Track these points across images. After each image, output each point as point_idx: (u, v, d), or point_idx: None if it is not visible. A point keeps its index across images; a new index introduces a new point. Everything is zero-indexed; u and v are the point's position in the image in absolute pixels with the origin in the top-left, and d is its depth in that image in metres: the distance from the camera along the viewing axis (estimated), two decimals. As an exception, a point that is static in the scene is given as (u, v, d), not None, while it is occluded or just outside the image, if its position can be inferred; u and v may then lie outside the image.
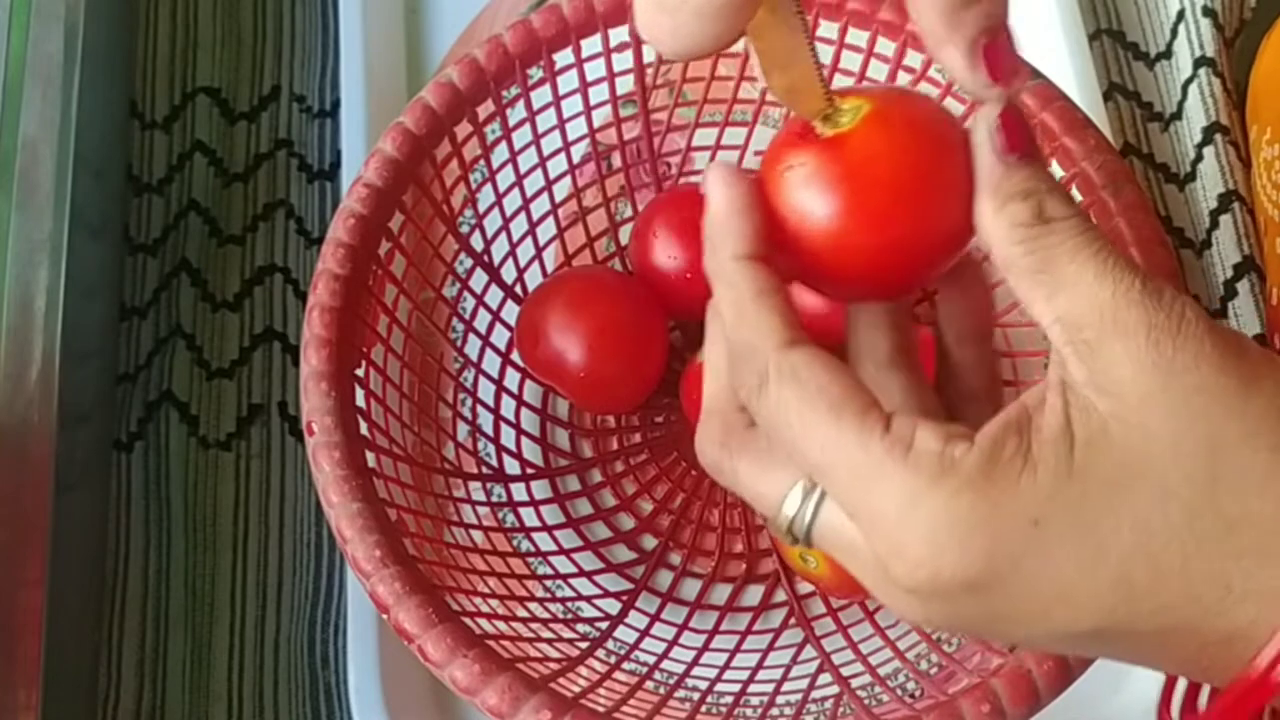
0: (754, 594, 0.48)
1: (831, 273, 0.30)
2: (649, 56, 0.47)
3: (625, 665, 0.43)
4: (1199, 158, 0.55)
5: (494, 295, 0.50)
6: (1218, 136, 0.54)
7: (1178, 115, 0.56)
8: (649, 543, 0.49)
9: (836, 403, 0.27)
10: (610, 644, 0.45)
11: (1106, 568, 0.26)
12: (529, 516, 0.48)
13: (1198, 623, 0.26)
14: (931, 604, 0.27)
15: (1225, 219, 0.53)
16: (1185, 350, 0.26)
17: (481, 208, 0.48)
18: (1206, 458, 0.25)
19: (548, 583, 0.46)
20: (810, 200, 0.30)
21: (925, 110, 0.30)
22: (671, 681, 0.42)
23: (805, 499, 0.29)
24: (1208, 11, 0.56)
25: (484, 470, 0.48)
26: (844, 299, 0.33)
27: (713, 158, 0.51)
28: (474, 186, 0.47)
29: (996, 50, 0.28)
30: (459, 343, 0.49)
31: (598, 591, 0.47)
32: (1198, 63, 0.55)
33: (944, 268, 0.31)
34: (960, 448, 0.26)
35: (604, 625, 0.45)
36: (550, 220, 0.50)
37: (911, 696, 0.42)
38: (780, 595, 0.48)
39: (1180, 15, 0.57)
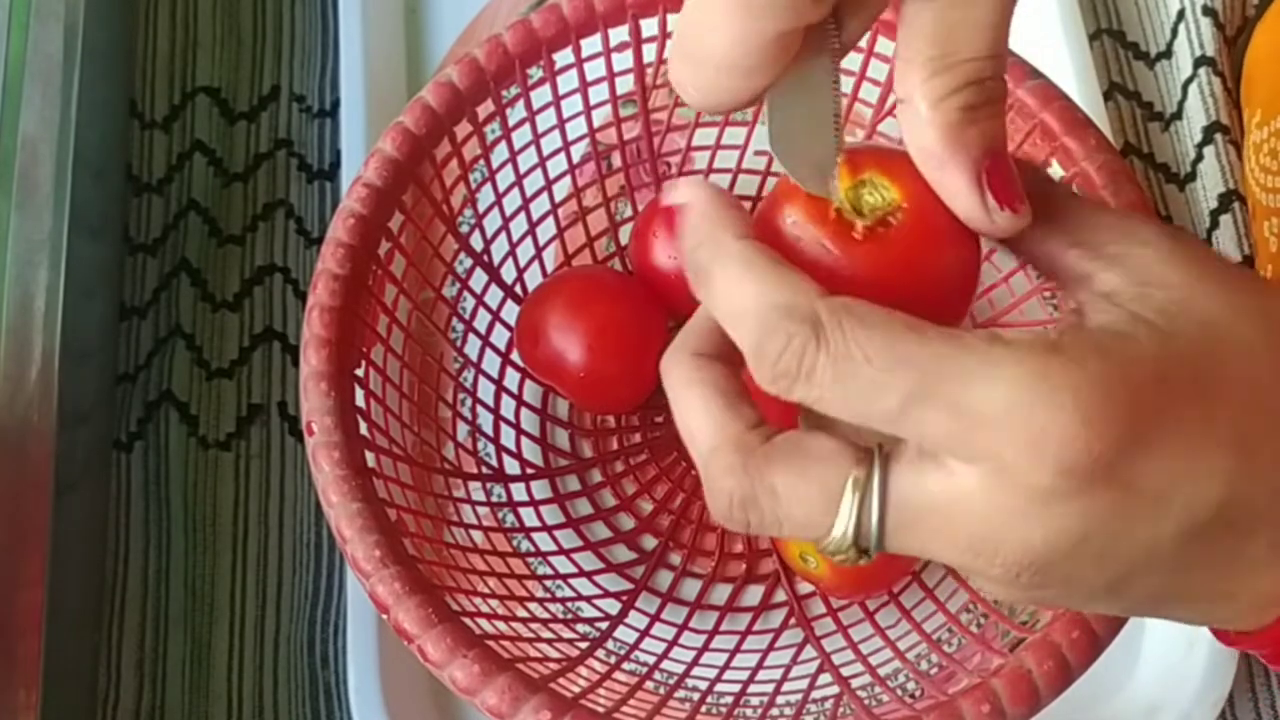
0: (754, 594, 0.48)
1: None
2: (649, 56, 0.47)
3: (625, 665, 0.43)
4: (1199, 157, 0.54)
5: (494, 295, 0.50)
6: (1218, 136, 0.54)
7: (1178, 115, 0.56)
8: (649, 543, 0.49)
9: (911, 323, 0.25)
10: (610, 644, 0.45)
11: (1228, 420, 0.25)
12: (529, 516, 0.48)
13: None
14: (1062, 514, 0.24)
15: (1225, 219, 0.53)
16: (1198, 246, 0.27)
17: (481, 208, 0.48)
18: (1263, 318, 0.26)
19: (548, 583, 0.46)
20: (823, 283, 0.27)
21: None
22: (671, 681, 0.42)
23: (867, 484, 0.26)
24: (1208, 10, 0.56)
25: (484, 470, 0.48)
26: None
27: (713, 158, 0.51)
28: (474, 186, 0.47)
29: (1001, 172, 0.27)
30: (459, 343, 0.49)
31: (598, 591, 0.47)
32: (1198, 62, 0.55)
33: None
34: (1052, 332, 0.25)
35: (604, 625, 0.45)
36: (550, 220, 0.50)
37: (911, 696, 0.42)
38: (780, 595, 0.48)
39: (1180, 15, 0.57)
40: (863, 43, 0.45)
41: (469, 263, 0.49)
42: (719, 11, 0.26)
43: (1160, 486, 0.25)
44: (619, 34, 0.45)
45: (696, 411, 0.28)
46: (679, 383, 0.28)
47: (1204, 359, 0.25)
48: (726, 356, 0.28)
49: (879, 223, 0.28)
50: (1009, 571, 0.25)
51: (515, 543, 0.47)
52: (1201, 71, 0.55)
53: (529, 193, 0.49)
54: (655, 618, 0.47)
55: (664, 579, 0.48)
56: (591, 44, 0.45)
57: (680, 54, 0.27)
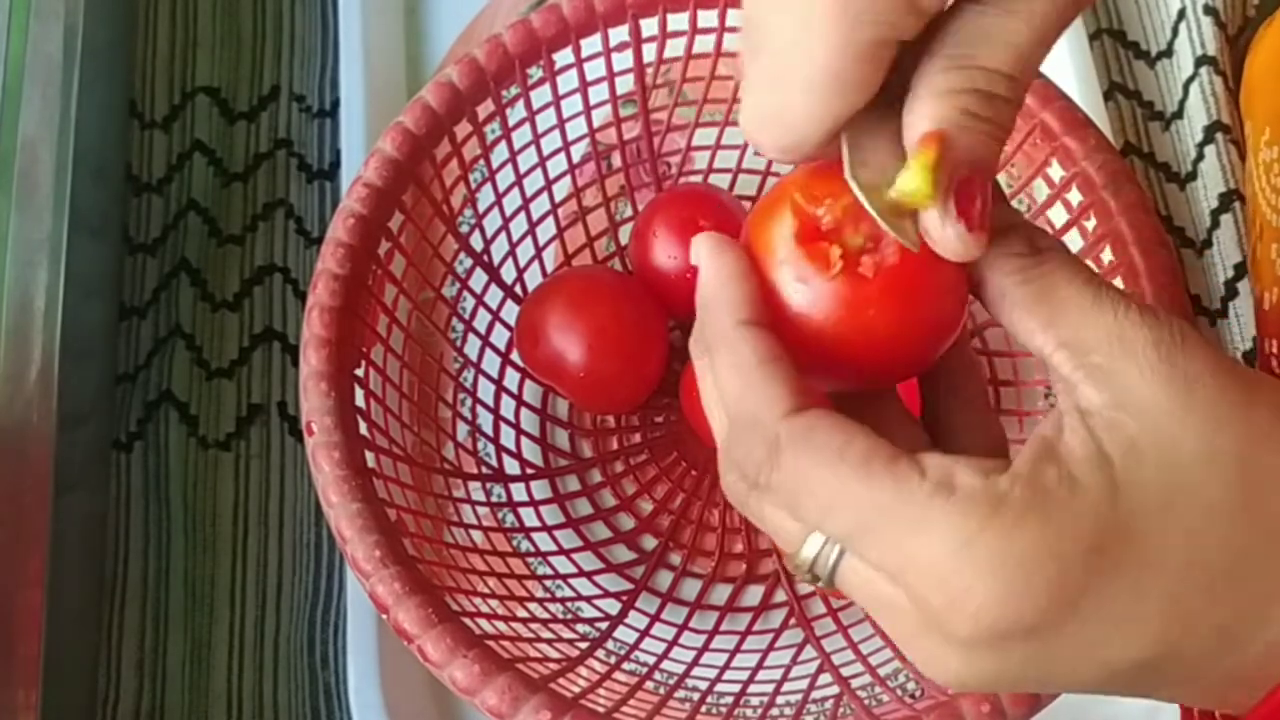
0: (754, 594, 0.48)
1: (819, 368, 0.29)
2: (649, 56, 0.47)
3: (625, 665, 0.43)
4: (1200, 156, 0.54)
5: (494, 295, 0.50)
6: (1219, 135, 0.54)
7: (1179, 114, 0.56)
8: (649, 543, 0.49)
9: (863, 457, 0.26)
10: (610, 644, 0.45)
11: (1162, 589, 0.25)
12: (529, 516, 0.48)
13: (1245, 638, 0.25)
14: (978, 656, 0.26)
15: (1226, 218, 0.53)
16: (1194, 361, 0.26)
17: (481, 207, 0.48)
18: (1237, 466, 0.25)
19: (547, 583, 0.46)
20: (812, 319, 0.28)
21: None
22: (671, 682, 0.42)
23: (827, 542, 0.27)
24: (1209, 10, 0.56)
25: (484, 470, 0.48)
26: (827, 386, 0.31)
27: (713, 158, 0.51)
28: (474, 186, 0.47)
29: (971, 191, 0.27)
30: (459, 343, 0.49)
31: (598, 592, 0.47)
32: (1199, 61, 0.55)
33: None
34: (1004, 479, 0.25)
35: (604, 625, 0.45)
36: (550, 220, 0.50)
37: (911, 696, 0.42)
38: (780, 595, 0.48)
39: (1181, 14, 0.57)
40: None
41: (469, 263, 0.49)
42: (819, 21, 0.26)
43: (1079, 647, 0.25)
44: (619, 34, 0.45)
45: (751, 382, 0.28)
46: (724, 344, 0.29)
47: (1154, 518, 0.25)
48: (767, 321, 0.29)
49: (862, 258, 0.28)
50: (927, 672, 0.27)
51: (515, 543, 0.47)
52: (1203, 70, 0.55)
53: (529, 193, 0.49)
54: (655, 618, 0.46)
55: (664, 579, 0.48)
56: (591, 44, 0.45)
57: (761, 83, 0.28)
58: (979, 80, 0.27)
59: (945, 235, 0.27)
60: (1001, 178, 0.46)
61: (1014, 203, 0.46)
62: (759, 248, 0.29)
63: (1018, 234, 0.28)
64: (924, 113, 0.27)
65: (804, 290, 0.28)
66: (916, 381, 0.33)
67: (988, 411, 0.32)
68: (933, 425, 0.32)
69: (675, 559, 0.49)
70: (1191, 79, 0.56)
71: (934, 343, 0.29)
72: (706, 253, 0.29)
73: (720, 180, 0.52)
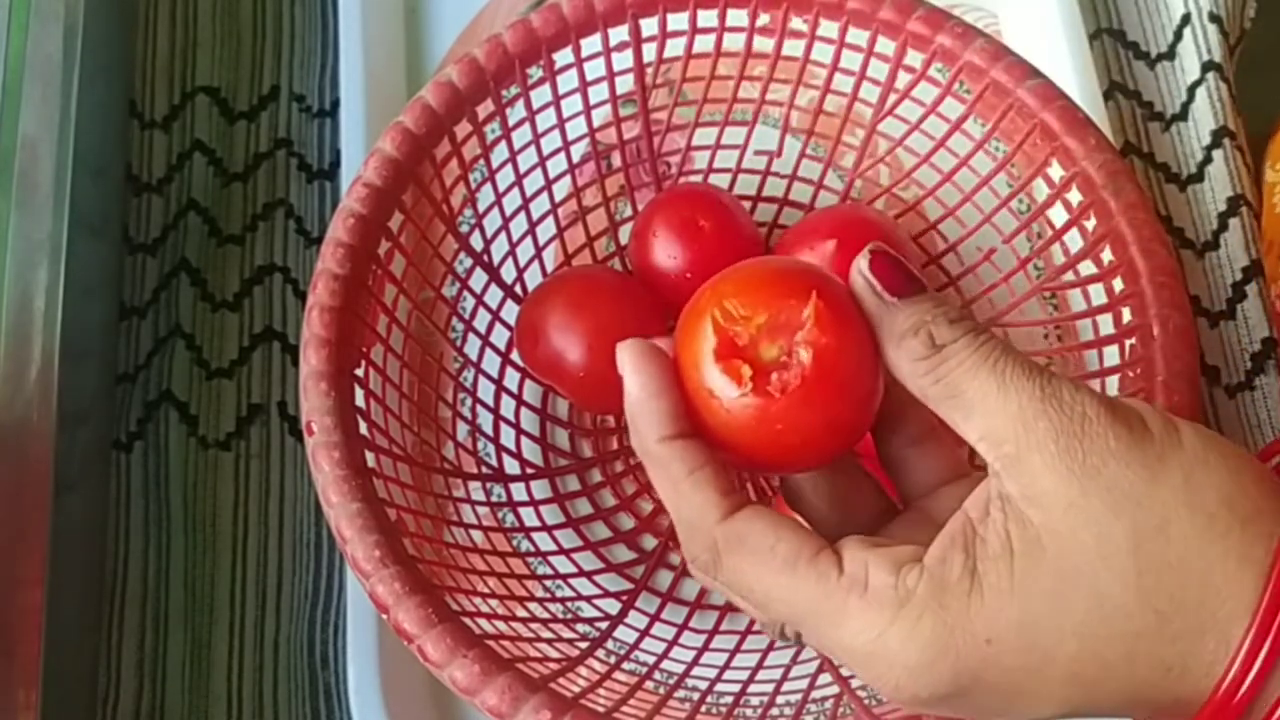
0: (754, 594, 0.48)
1: (745, 464, 0.33)
2: (649, 56, 0.47)
3: (625, 665, 0.43)
4: (1207, 159, 0.55)
5: (494, 295, 0.50)
6: (1226, 141, 0.54)
7: (1182, 116, 0.56)
8: (649, 542, 0.49)
9: (789, 559, 0.29)
10: (610, 644, 0.45)
11: (1056, 670, 0.28)
12: (529, 516, 0.48)
13: (1147, 697, 0.28)
14: (920, 708, 0.29)
15: (1234, 222, 0.53)
16: (1093, 451, 0.28)
17: (481, 207, 0.48)
18: (1130, 555, 0.27)
19: (547, 583, 0.46)
20: (730, 428, 0.31)
21: (856, 329, 0.31)
22: (671, 681, 0.42)
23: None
24: (1214, 18, 0.56)
25: (484, 470, 0.48)
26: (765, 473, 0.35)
27: (712, 158, 0.51)
28: (474, 186, 0.47)
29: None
30: (459, 342, 0.49)
31: (598, 591, 0.47)
32: (1205, 67, 0.56)
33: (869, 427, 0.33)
34: (911, 575, 0.28)
35: (604, 625, 0.45)
36: (550, 220, 0.50)
37: (912, 696, 0.42)
38: (780, 595, 0.48)
39: (1186, 19, 0.57)
40: (863, 42, 0.45)
41: (469, 263, 0.49)
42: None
43: (992, 709, 0.29)
44: (619, 34, 0.45)
45: (682, 493, 0.31)
46: (652, 460, 0.32)
47: (1045, 614, 0.27)
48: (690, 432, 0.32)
49: (772, 376, 0.30)
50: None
51: (515, 543, 0.47)
52: (1210, 76, 0.55)
53: (529, 193, 0.49)
54: (655, 618, 0.46)
55: (664, 579, 0.48)
56: (591, 44, 0.45)
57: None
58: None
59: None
60: (1001, 177, 0.46)
61: (1014, 203, 0.46)
62: (683, 356, 0.32)
63: (919, 336, 0.30)
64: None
65: (720, 403, 0.31)
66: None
67: (935, 441, 0.34)
68: (888, 465, 0.35)
69: (675, 559, 0.49)
70: (1198, 83, 0.56)
71: (848, 439, 0.32)
72: (630, 366, 0.32)
73: (720, 180, 0.52)
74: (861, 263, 0.31)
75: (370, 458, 0.39)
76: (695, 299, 0.32)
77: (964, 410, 0.29)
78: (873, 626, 0.28)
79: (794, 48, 0.47)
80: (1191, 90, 0.56)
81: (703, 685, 0.42)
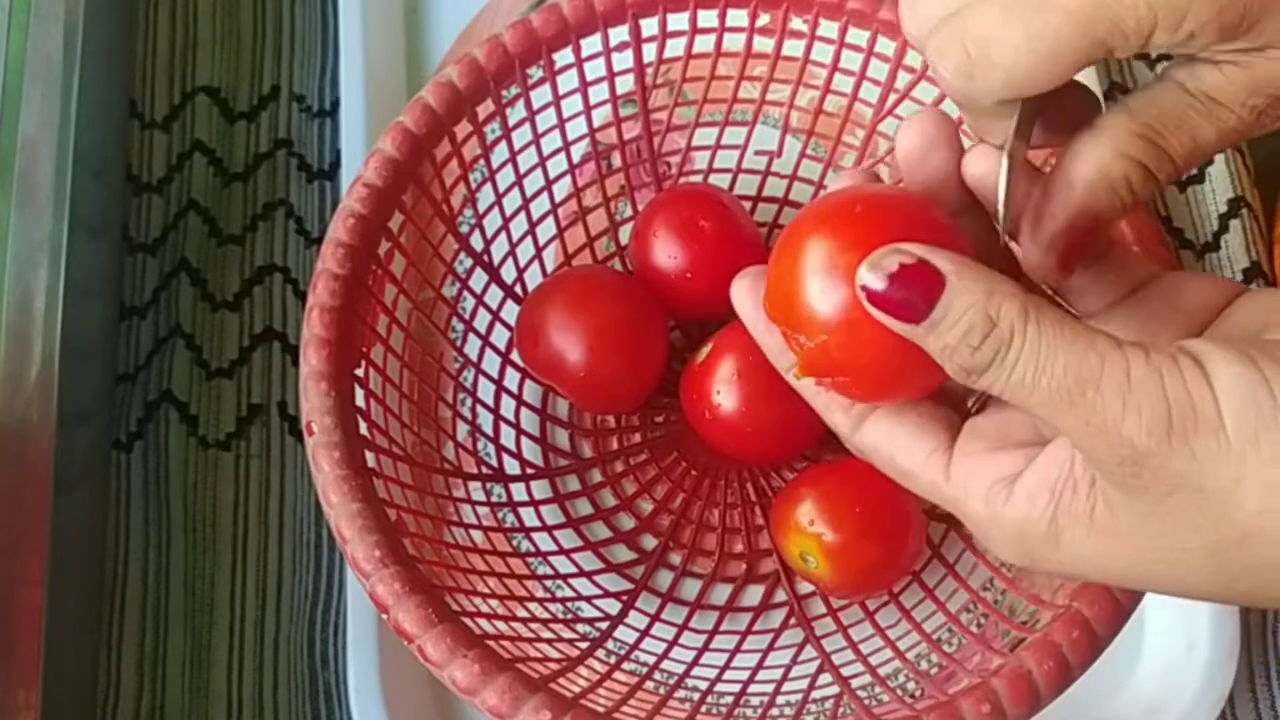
0: (754, 594, 0.48)
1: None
2: (649, 56, 0.47)
3: (625, 665, 0.43)
4: (1208, 161, 0.55)
5: (494, 295, 0.50)
6: (1228, 144, 0.54)
7: (1182, 117, 0.56)
8: (649, 543, 0.49)
9: (905, 470, 0.32)
10: (610, 644, 0.45)
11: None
12: (529, 516, 0.48)
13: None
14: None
15: (1235, 223, 0.53)
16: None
17: (481, 207, 0.48)
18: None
19: (548, 583, 0.46)
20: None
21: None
22: (671, 682, 0.42)
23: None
24: None
25: (484, 470, 0.48)
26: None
27: (713, 158, 0.51)
28: (474, 186, 0.47)
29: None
30: (459, 343, 0.49)
31: (598, 591, 0.47)
32: None
33: None
34: (1000, 498, 0.30)
35: (604, 625, 0.45)
36: (550, 220, 0.50)
37: (911, 696, 0.42)
38: (780, 595, 0.48)
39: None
40: (863, 42, 0.45)
41: (469, 263, 0.49)
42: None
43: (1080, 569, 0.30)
44: (619, 34, 0.45)
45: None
46: None
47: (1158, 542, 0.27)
48: None
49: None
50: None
51: (515, 543, 0.47)
52: None
53: (529, 193, 0.49)
54: (655, 618, 0.46)
55: (664, 579, 0.48)
56: (591, 44, 0.45)
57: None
58: (1152, 158, 0.30)
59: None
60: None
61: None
62: (773, 274, 0.32)
63: (952, 363, 0.28)
64: (1093, 157, 0.30)
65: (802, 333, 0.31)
66: None
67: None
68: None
69: (675, 559, 0.49)
70: None
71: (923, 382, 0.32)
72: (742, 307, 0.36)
73: (720, 180, 0.52)
74: (863, 298, 0.28)
75: (370, 458, 0.39)
76: (797, 220, 0.32)
77: (1033, 394, 0.27)
78: (974, 518, 0.30)
79: (794, 48, 0.47)
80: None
81: (703, 685, 0.42)
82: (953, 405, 0.33)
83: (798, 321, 0.31)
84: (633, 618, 0.46)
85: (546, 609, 0.45)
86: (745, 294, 0.35)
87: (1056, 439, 0.29)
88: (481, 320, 0.49)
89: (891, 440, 0.32)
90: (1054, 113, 0.31)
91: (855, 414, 0.33)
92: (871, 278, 0.28)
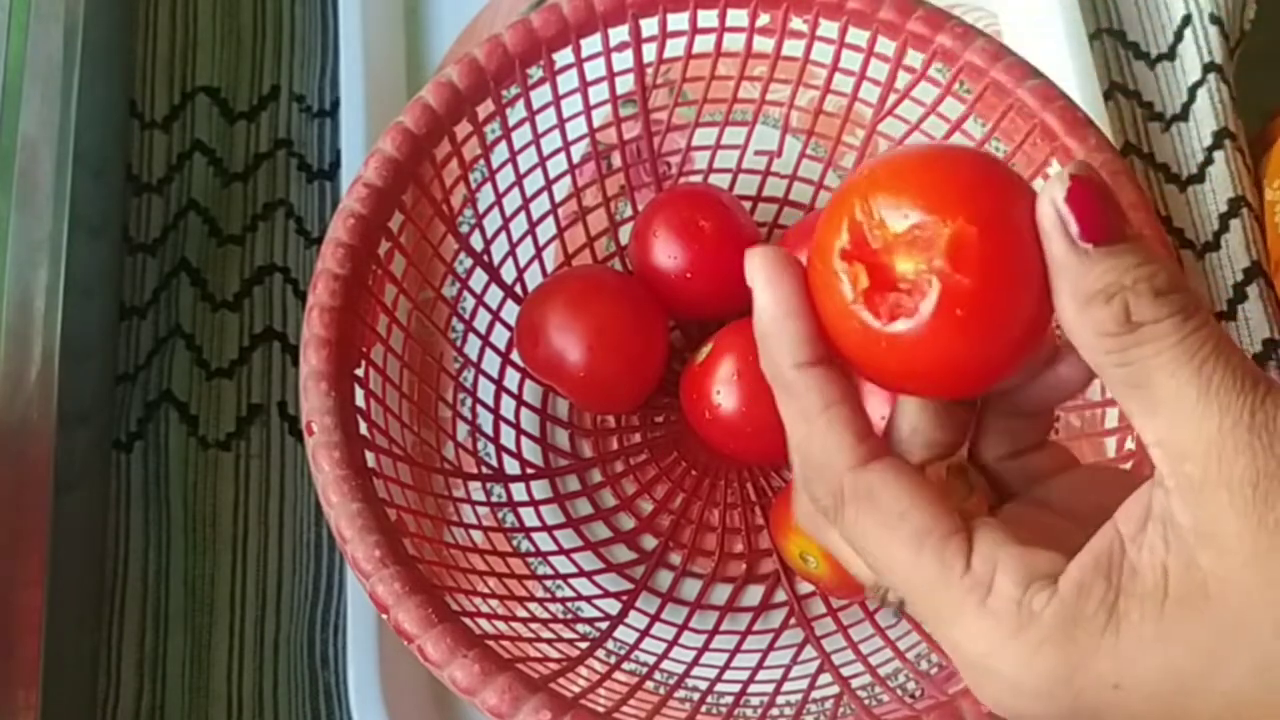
0: (754, 594, 0.48)
1: (892, 382, 0.28)
2: (649, 56, 0.47)
3: (625, 665, 0.43)
4: (1208, 160, 0.55)
5: (494, 295, 0.50)
6: (1227, 142, 0.54)
7: (1182, 117, 0.56)
8: (649, 543, 0.49)
9: (918, 532, 0.26)
10: (610, 644, 0.45)
11: None
12: (529, 516, 0.48)
13: None
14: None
15: (1235, 223, 0.53)
16: None
17: (481, 207, 0.48)
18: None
19: (548, 583, 0.46)
20: (865, 345, 0.27)
21: (1019, 263, 0.25)
22: (671, 682, 0.42)
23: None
24: (1215, 19, 0.56)
25: (484, 470, 0.48)
26: (902, 392, 0.30)
27: (713, 158, 0.51)
28: (474, 186, 0.47)
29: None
30: (459, 343, 0.49)
31: (598, 591, 0.47)
32: (1207, 68, 0.56)
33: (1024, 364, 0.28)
34: (1040, 596, 0.25)
35: (604, 625, 0.45)
36: (550, 220, 0.50)
37: (911, 696, 0.42)
38: (780, 595, 0.48)
39: (1186, 20, 0.57)
40: (863, 42, 0.45)
41: (469, 263, 0.49)
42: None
43: None
44: (619, 34, 0.45)
45: (815, 429, 0.28)
46: (784, 389, 0.28)
47: (1201, 665, 0.24)
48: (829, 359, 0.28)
49: (907, 293, 0.26)
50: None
51: (515, 543, 0.47)
52: (1211, 77, 0.55)
53: (529, 193, 0.49)
54: (655, 618, 0.46)
55: (664, 579, 0.48)
56: (591, 44, 0.45)
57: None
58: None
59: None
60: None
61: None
62: (814, 246, 0.27)
63: (1111, 305, 0.24)
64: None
65: (835, 309, 0.27)
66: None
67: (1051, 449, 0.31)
68: (989, 439, 0.31)
69: (675, 559, 0.49)
70: (1199, 84, 0.56)
71: (977, 383, 0.28)
72: (762, 281, 0.28)
73: (720, 180, 0.52)
74: (1056, 190, 0.25)
75: (370, 458, 0.39)
76: (845, 183, 0.28)
77: (1147, 406, 0.24)
78: (986, 638, 0.25)
79: (794, 48, 0.47)
80: (1192, 91, 0.56)
81: (703, 685, 0.42)
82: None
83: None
84: (633, 618, 0.46)
85: (546, 609, 0.45)
86: (772, 263, 0.28)
87: (1103, 527, 0.26)
88: (481, 320, 0.49)
89: (911, 494, 0.26)
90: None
91: (869, 446, 0.27)
92: (1073, 182, 0.25)
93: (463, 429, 0.48)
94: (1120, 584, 0.24)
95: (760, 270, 0.28)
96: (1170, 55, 0.58)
